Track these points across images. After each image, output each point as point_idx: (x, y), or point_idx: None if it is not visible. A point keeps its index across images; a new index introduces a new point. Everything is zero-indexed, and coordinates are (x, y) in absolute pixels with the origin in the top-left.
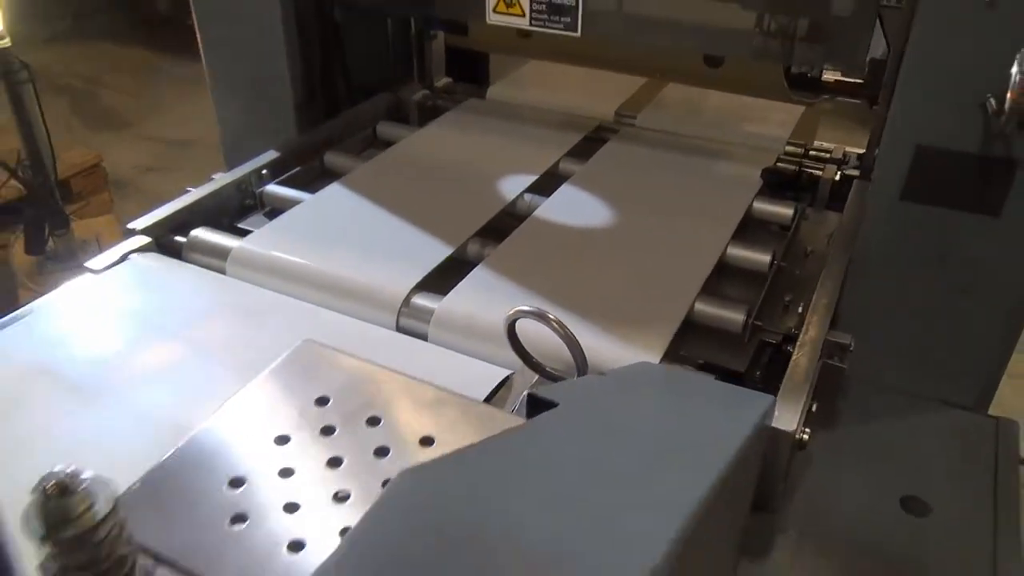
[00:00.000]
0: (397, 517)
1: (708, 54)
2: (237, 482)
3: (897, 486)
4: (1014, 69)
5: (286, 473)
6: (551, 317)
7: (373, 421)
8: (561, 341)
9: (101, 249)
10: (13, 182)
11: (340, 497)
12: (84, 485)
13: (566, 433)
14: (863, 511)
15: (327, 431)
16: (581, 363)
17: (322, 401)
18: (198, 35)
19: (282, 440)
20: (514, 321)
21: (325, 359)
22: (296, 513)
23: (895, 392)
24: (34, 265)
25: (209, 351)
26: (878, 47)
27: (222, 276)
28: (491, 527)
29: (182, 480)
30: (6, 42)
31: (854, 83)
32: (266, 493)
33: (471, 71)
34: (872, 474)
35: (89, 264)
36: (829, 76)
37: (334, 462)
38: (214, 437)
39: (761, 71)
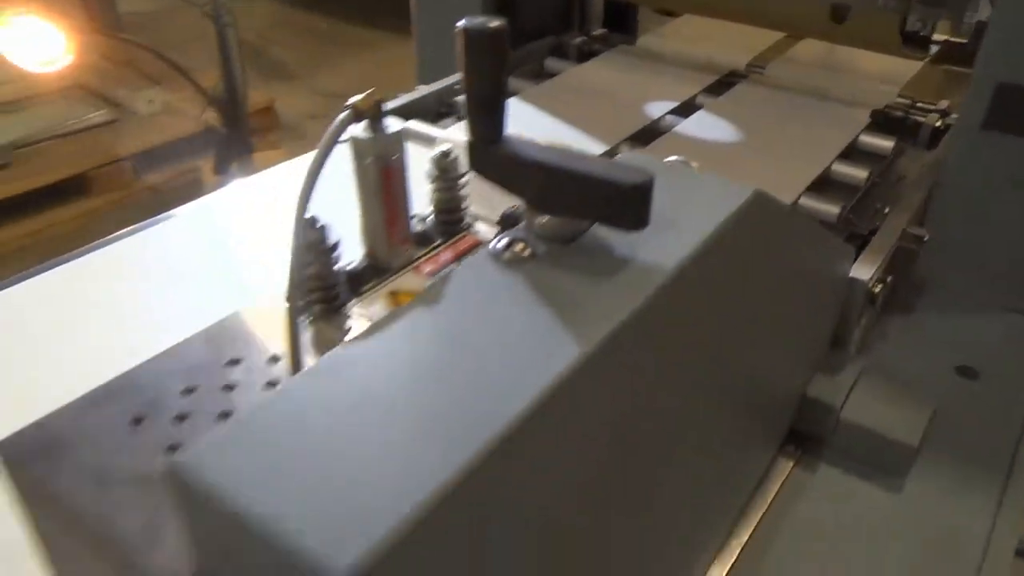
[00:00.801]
0: None
1: (834, 9)
2: None
3: (955, 359)
4: None
5: None
6: (693, 164)
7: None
8: None
9: None
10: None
11: None
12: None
13: None
14: (921, 369)
15: None
16: None
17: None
18: None
19: None
20: None
21: None
22: None
23: (967, 297)
24: (218, 183)
25: None
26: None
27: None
28: None
29: None
30: None
31: (961, 44)
32: None
33: (623, 24)
34: (935, 349)
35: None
36: (939, 37)
37: None
38: None
39: (880, 29)
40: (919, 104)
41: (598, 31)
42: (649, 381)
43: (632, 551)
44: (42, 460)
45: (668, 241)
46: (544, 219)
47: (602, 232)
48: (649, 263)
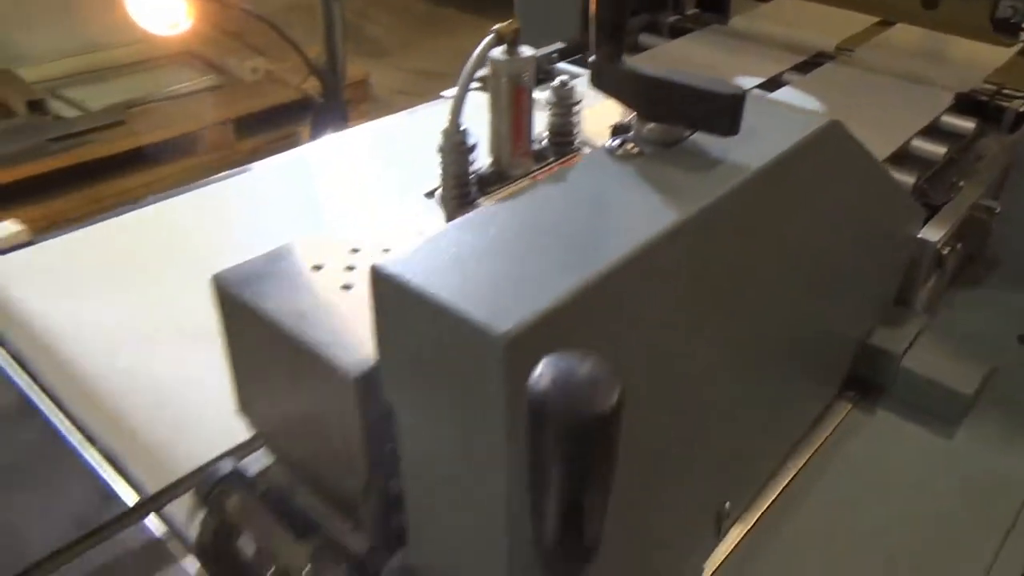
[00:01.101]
0: None
1: None
2: None
3: (1017, 328)
4: None
5: None
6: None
7: None
8: None
9: None
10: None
11: None
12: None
13: None
14: (983, 334)
15: None
16: None
17: None
18: None
19: None
20: None
21: None
22: None
23: None
24: None
25: None
26: None
27: None
28: None
29: None
30: None
31: None
32: None
33: (716, 4)
34: (999, 317)
35: (444, 93)
36: None
37: None
38: None
39: (970, 15)
40: (1005, 90)
41: (691, 11)
42: (731, 263)
43: (695, 431)
44: (246, 287)
45: (753, 149)
46: (651, 126)
47: (698, 140)
48: (737, 163)
